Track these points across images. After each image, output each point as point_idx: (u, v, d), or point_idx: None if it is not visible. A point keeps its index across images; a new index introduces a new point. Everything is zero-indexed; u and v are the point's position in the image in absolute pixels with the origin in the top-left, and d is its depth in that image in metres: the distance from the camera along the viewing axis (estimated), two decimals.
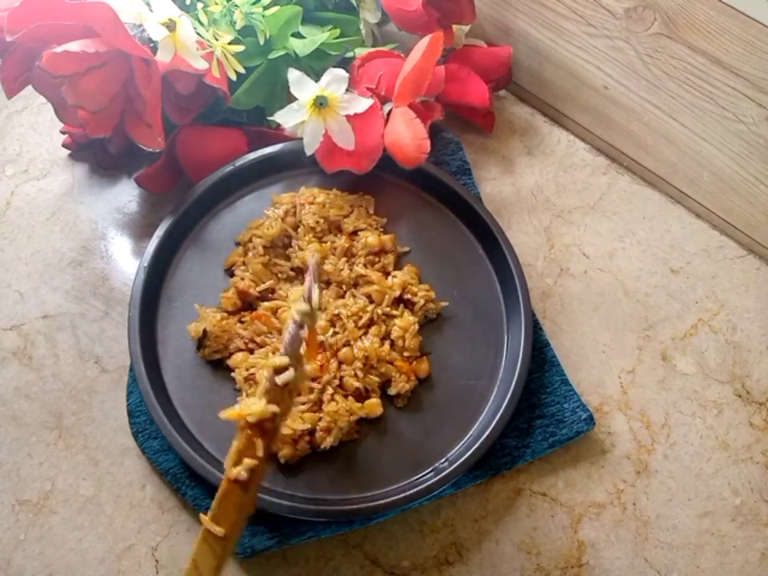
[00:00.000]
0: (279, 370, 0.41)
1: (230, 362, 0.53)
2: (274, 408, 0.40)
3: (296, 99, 0.55)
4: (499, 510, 0.52)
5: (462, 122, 0.67)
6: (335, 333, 0.54)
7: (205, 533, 0.39)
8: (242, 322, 0.54)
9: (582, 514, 0.52)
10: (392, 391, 0.53)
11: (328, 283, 0.56)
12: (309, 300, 0.43)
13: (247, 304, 0.55)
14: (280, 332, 0.53)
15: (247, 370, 0.52)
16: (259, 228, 0.57)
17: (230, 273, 0.57)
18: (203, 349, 0.53)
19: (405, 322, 0.54)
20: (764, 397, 0.57)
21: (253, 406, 0.39)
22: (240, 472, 0.39)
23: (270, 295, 0.56)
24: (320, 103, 0.55)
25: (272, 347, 0.53)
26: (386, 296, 0.55)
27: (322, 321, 0.54)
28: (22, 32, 0.48)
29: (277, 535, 0.49)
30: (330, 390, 0.52)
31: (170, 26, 0.51)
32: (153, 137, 0.54)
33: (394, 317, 0.55)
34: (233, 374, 0.52)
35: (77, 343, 0.57)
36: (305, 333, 0.42)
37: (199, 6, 0.56)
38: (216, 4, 0.56)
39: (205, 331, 0.53)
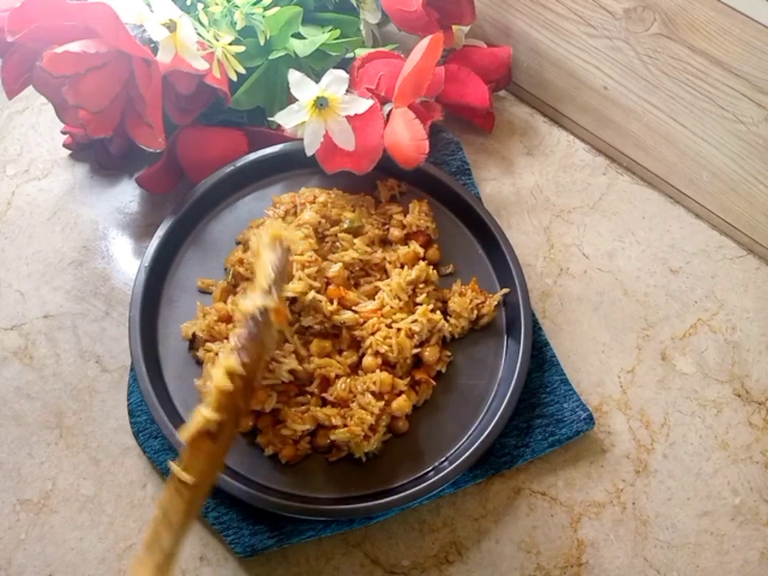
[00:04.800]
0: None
1: (200, 354, 0.53)
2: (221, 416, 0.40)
3: (296, 100, 0.55)
4: (499, 510, 0.52)
5: (461, 122, 0.67)
6: None
7: (174, 481, 0.39)
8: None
9: (582, 513, 0.52)
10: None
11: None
12: (270, 290, 0.43)
13: None
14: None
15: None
16: (260, 228, 0.57)
17: None
18: (194, 350, 0.54)
19: (434, 350, 0.54)
20: (763, 396, 0.57)
21: (204, 412, 0.40)
22: (208, 421, 0.39)
23: None
24: (320, 104, 0.55)
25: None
26: None
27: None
28: (23, 32, 0.48)
29: (277, 534, 0.49)
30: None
31: (171, 26, 0.52)
32: (153, 137, 0.54)
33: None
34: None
35: (78, 343, 0.57)
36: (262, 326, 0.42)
37: (200, 6, 0.56)
38: (216, 5, 0.56)
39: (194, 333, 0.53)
